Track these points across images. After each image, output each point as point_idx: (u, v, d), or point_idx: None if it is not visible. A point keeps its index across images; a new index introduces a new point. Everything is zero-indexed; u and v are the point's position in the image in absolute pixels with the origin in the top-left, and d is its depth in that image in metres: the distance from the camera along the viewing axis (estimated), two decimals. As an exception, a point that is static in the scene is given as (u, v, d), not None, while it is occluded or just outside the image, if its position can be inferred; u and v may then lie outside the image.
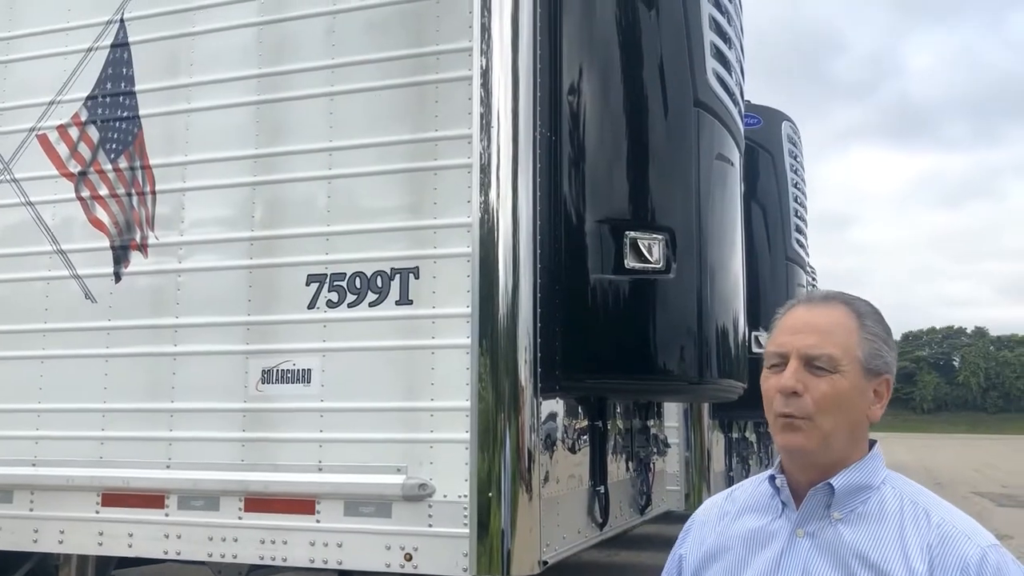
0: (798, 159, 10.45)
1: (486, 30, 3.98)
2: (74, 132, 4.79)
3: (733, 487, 1.83)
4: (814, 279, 13.56)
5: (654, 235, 4.16)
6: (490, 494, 3.73)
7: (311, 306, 4.17)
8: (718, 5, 4.73)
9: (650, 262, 4.14)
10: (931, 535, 1.51)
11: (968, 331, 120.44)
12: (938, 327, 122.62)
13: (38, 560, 4.97)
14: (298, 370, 4.16)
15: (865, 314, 1.62)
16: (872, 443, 1.64)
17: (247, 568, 4.28)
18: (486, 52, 3.97)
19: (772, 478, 1.66)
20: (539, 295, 3.90)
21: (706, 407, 7.82)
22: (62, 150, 4.80)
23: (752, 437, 11.17)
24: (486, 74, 3.96)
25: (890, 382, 1.63)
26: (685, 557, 1.78)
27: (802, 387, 1.55)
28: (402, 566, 3.85)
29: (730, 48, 4.87)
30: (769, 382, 1.62)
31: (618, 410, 5.36)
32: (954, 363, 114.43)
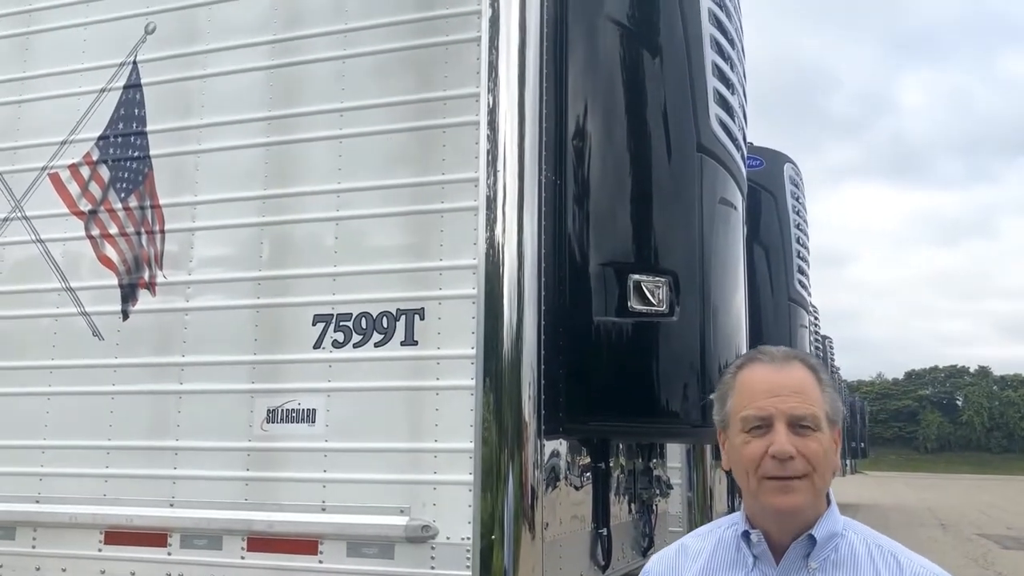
0: (800, 200, 10.53)
1: (493, 69, 4.06)
2: (85, 171, 4.85)
3: (681, 540, 1.82)
4: (816, 319, 13.57)
5: (658, 278, 4.20)
6: (493, 536, 3.73)
7: (317, 346, 4.20)
8: (721, 52, 4.80)
9: (653, 305, 4.17)
10: None
11: (971, 370, 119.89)
12: (941, 366, 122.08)
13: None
14: (303, 410, 4.17)
15: (818, 368, 1.67)
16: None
17: (249, 608, 4.26)
18: (493, 91, 4.04)
19: (746, 534, 1.67)
20: (543, 336, 3.93)
21: (708, 447, 7.80)
22: (73, 189, 4.86)
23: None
24: (493, 111, 4.02)
25: (840, 430, 1.67)
26: None
27: (794, 450, 1.58)
28: (404, 608, 3.84)
29: (733, 94, 4.94)
30: (752, 446, 1.60)
31: (621, 449, 5.35)
32: (957, 402, 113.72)
